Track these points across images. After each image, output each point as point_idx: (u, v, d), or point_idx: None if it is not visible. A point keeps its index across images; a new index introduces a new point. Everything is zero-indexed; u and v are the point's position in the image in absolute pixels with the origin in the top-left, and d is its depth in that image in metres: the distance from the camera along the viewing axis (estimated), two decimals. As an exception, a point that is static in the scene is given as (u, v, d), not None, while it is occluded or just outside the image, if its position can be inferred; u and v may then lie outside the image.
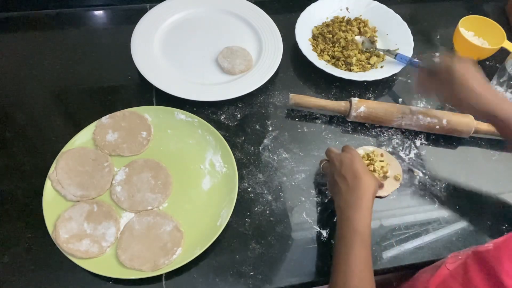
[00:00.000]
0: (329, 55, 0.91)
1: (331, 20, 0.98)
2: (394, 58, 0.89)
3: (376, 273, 0.68)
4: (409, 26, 0.95)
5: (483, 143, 0.83)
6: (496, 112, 0.63)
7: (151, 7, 0.94)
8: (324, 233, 0.69)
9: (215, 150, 0.75)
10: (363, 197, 0.59)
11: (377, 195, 0.73)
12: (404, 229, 0.71)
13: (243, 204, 0.71)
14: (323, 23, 0.98)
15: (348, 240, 0.57)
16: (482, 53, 0.93)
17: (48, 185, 0.69)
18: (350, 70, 0.89)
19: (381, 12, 0.99)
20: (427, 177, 0.77)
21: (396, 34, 0.96)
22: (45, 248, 0.64)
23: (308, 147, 0.79)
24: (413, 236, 0.71)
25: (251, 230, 0.69)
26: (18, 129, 0.77)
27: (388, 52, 0.90)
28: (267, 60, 0.88)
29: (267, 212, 0.71)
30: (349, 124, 0.83)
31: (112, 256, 0.64)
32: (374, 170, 0.75)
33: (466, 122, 0.80)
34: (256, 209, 0.71)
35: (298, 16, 0.94)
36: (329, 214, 0.71)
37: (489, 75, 0.93)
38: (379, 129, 0.83)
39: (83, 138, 0.75)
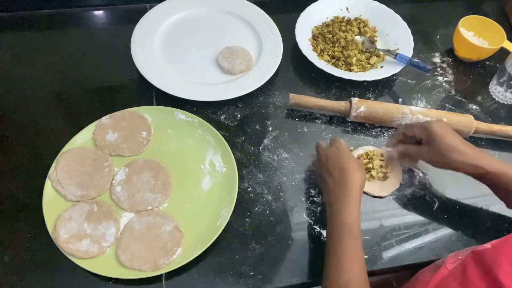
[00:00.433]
0: (329, 55, 0.91)
1: (331, 20, 0.98)
2: (394, 58, 0.89)
3: (376, 273, 0.68)
4: (409, 26, 0.95)
5: (483, 143, 0.83)
6: (485, 167, 0.64)
7: (151, 7, 0.94)
8: (324, 233, 0.69)
9: (215, 150, 0.75)
10: (351, 191, 0.61)
11: (377, 195, 0.74)
12: (404, 229, 0.71)
13: (243, 204, 0.71)
14: (323, 23, 0.98)
15: (338, 234, 0.58)
16: (482, 53, 0.93)
17: (48, 185, 0.69)
18: (350, 70, 0.89)
19: (381, 12, 0.99)
20: (427, 177, 0.77)
21: (396, 34, 0.96)
22: (45, 248, 0.64)
23: (308, 147, 0.79)
24: (413, 236, 0.71)
25: (251, 230, 0.69)
26: (18, 129, 0.77)
27: (388, 52, 0.90)
28: (267, 60, 0.88)
29: (267, 212, 0.71)
30: (349, 124, 0.83)
31: (112, 256, 0.64)
32: (373, 168, 0.75)
33: (466, 122, 0.80)
34: (256, 209, 0.71)
35: (298, 16, 0.94)
36: (329, 214, 0.71)
37: (489, 75, 0.94)
38: (379, 129, 0.83)
39: (83, 138, 0.75)
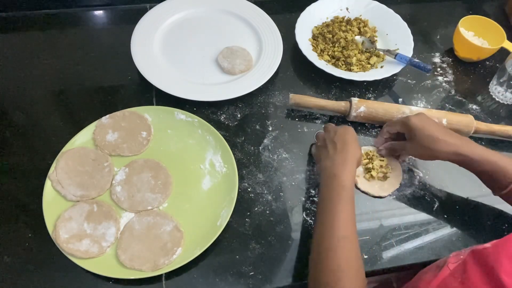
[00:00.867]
0: (329, 55, 0.91)
1: (331, 20, 0.98)
2: (394, 58, 0.89)
3: (376, 273, 0.68)
4: (409, 26, 0.95)
5: (483, 143, 0.83)
6: (468, 154, 0.65)
7: (151, 7, 0.94)
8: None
9: (215, 150, 0.75)
10: (350, 159, 0.64)
11: (377, 195, 0.74)
12: (404, 229, 0.71)
13: (243, 204, 0.71)
14: (323, 23, 0.98)
15: (335, 195, 0.60)
16: (482, 53, 0.93)
17: (48, 185, 0.69)
18: (350, 70, 0.89)
19: (381, 12, 0.99)
20: (427, 177, 0.77)
21: (396, 34, 0.96)
22: (45, 248, 0.64)
23: (308, 147, 0.79)
24: (413, 236, 0.71)
25: (251, 230, 0.69)
26: (18, 129, 0.77)
27: (388, 52, 0.90)
28: (267, 60, 0.88)
29: (267, 212, 0.71)
30: (349, 124, 0.83)
31: (112, 256, 0.64)
32: (373, 168, 0.75)
33: (466, 122, 0.80)
34: (256, 209, 0.71)
35: (298, 16, 0.94)
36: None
37: (489, 75, 0.94)
38: (379, 129, 0.83)
39: (83, 138, 0.75)
